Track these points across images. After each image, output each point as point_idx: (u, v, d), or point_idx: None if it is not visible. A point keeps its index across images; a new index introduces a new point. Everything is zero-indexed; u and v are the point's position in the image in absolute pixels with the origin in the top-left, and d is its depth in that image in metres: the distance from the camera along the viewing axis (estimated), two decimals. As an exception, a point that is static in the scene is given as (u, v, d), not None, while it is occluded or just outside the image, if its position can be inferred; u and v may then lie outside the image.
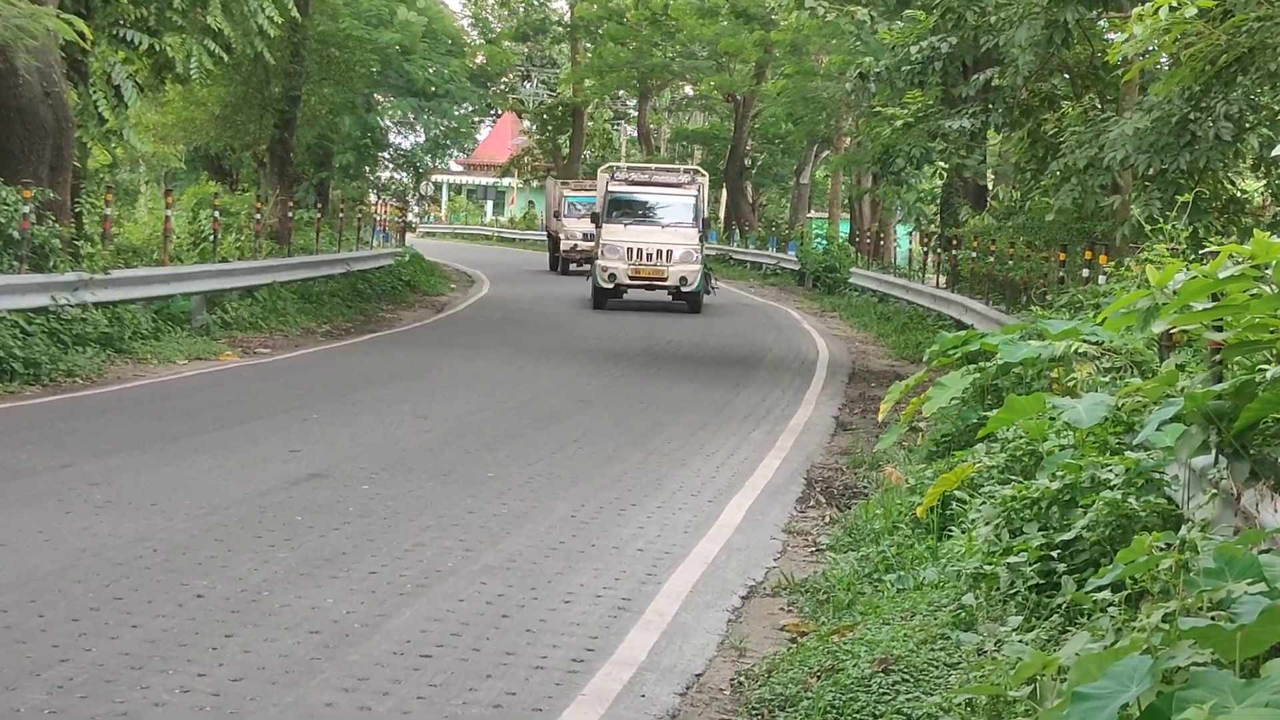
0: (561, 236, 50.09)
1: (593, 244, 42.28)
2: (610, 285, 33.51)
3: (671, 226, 34.12)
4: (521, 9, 75.03)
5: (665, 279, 33.40)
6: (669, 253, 33.41)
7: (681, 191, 35.40)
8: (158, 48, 23.07)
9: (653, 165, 41.89)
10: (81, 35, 18.83)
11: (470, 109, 64.40)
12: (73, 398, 16.21)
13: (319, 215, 34.53)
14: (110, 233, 22.68)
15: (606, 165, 38.88)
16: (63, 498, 10.63)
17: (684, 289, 33.60)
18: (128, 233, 30.38)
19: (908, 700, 6.74)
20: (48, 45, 19.65)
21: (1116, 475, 7.52)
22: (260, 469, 12.14)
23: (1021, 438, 9.69)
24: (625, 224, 33.84)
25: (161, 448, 12.93)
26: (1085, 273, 19.60)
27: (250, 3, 23.58)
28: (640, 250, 33.35)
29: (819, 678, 7.24)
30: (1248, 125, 16.10)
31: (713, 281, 36.67)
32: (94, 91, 22.31)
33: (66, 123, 20.74)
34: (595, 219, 35.08)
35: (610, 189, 35.15)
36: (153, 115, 35.35)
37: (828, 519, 11.85)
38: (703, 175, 38.24)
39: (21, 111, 20.01)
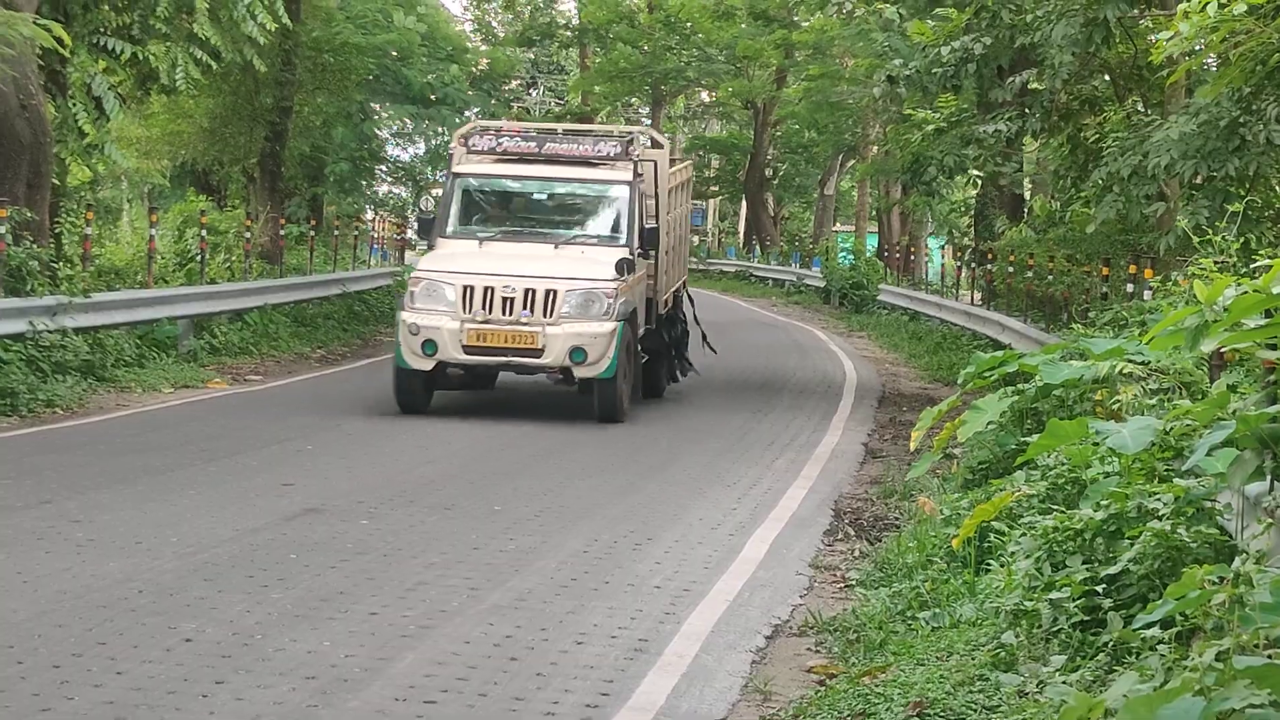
0: None
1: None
2: (428, 363, 18.09)
3: (573, 242, 19.38)
4: (527, 12, 75.22)
5: (538, 351, 18.05)
6: (549, 296, 18.08)
7: (603, 173, 19.92)
8: (141, 57, 23.17)
9: (559, 127, 22.33)
10: (60, 41, 18.91)
11: (475, 114, 64.51)
12: (52, 429, 16.25)
13: (312, 233, 34.63)
14: (91, 254, 22.75)
15: (468, 126, 21.68)
16: (42, 536, 10.65)
17: (580, 371, 18.21)
18: (110, 253, 30.49)
19: (944, 746, 6.73)
20: (24, 54, 19.74)
21: (1165, 504, 7.50)
22: (251, 504, 12.15)
23: (1063, 465, 9.68)
24: (482, 238, 19.24)
25: (146, 482, 12.95)
26: (1130, 288, 19.60)
27: (239, 9, 23.68)
28: (489, 291, 18.06)
29: (849, 723, 7.22)
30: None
31: (688, 361, 22.83)
32: (73, 104, 22.40)
33: (44, 137, 20.83)
34: (424, 230, 20.32)
35: (458, 171, 19.94)
36: (136, 129, 35.53)
37: (857, 553, 11.83)
38: (659, 145, 22.73)
39: (-4, 125, 20.10)
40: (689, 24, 61.29)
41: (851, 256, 48.75)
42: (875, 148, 53.67)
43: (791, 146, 65.63)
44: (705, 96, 76.30)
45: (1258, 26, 13.61)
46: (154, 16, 22.88)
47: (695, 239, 71.30)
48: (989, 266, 30.73)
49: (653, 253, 20.14)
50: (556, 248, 19.04)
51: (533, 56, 76.85)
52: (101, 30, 22.72)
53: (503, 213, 20.14)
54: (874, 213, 60.85)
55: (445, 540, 11.14)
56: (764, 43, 56.41)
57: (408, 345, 18.06)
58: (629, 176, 19.70)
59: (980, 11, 20.99)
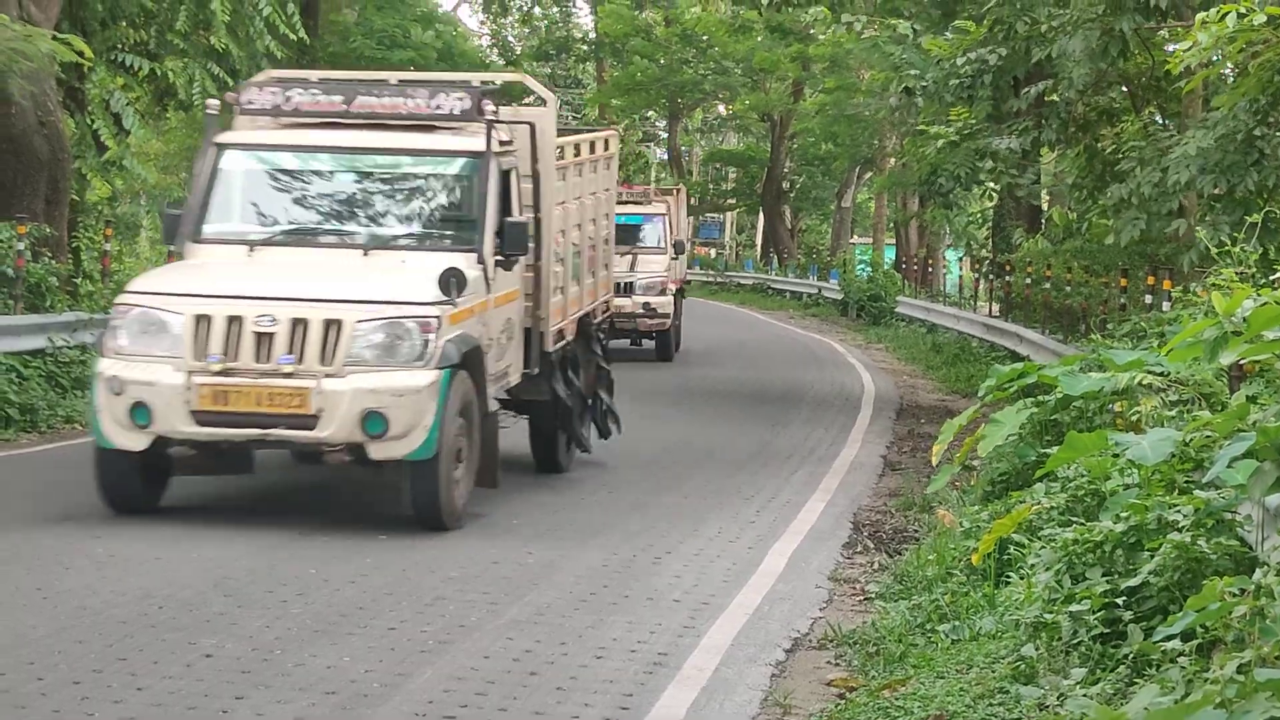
0: None
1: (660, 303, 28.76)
2: (141, 438, 11.58)
3: (392, 246, 12.93)
4: (543, 26, 75.41)
5: (310, 418, 11.46)
6: (329, 331, 11.57)
7: (443, 141, 13.36)
8: (159, 73, 23.25)
9: (392, 76, 15.48)
10: (81, 54, 18.96)
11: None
12: (71, 445, 16.27)
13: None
14: (110, 270, 22.79)
15: (262, 76, 14.60)
16: (61, 553, 10.67)
17: (378, 449, 11.53)
18: (129, 269, 30.52)
19: (965, 760, 6.71)
20: (44, 70, 19.81)
21: (1185, 516, 7.49)
22: (270, 519, 12.15)
23: (1083, 477, 9.66)
24: (255, 242, 12.93)
25: (165, 498, 12.94)
26: (1148, 299, 19.55)
27: (256, 24, 23.75)
28: (235, 323, 11.56)
29: (869, 736, 7.21)
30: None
31: (613, 415, 16.40)
32: (93, 120, 22.49)
33: (63, 153, 20.90)
34: (170, 231, 13.19)
35: (222, 141, 13.36)
36: (155, 143, 35.63)
37: (876, 565, 11.81)
38: (544, 101, 14.92)
39: (14, 142, 20.16)
40: (705, 37, 61.34)
41: (869, 269, 48.70)
42: (892, 160, 53.64)
43: (808, 159, 65.57)
44: (722, 109, 76.34)
45: (1276, 37, 13.58)
46: (172, 31, 22.96)
47: (712, 252, 71.42)
48: (1007, 278, 30.69)
49: (520, 260, 13.42)
50: (367, 254, 12.71)
51: (549, 71, 77.04)
52: (119, 47, 22.81)
53: (288, 203, 13.50)
54: (891, 225, 60.82)
55: (463, 554, 11.14)
56: (780, 55, 56.41)
57: (110, 412, 11.62)
58: (481, 145, 12.95)
59: (996, 24, 20.98)
